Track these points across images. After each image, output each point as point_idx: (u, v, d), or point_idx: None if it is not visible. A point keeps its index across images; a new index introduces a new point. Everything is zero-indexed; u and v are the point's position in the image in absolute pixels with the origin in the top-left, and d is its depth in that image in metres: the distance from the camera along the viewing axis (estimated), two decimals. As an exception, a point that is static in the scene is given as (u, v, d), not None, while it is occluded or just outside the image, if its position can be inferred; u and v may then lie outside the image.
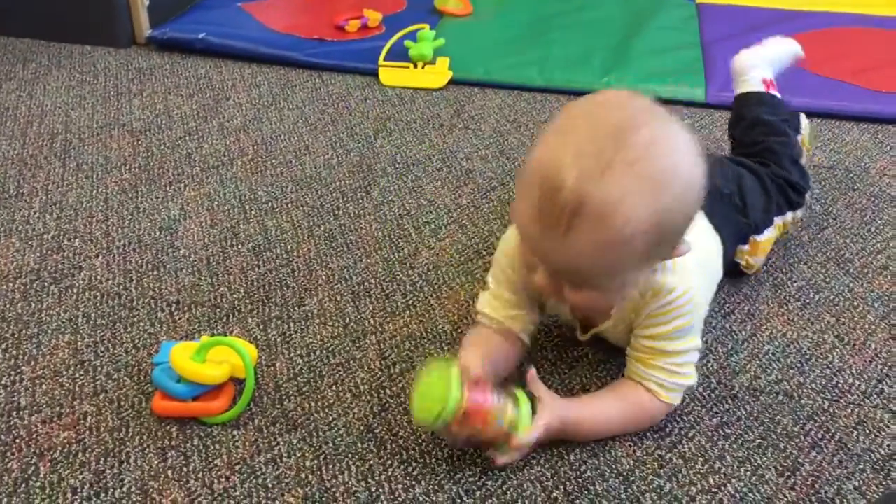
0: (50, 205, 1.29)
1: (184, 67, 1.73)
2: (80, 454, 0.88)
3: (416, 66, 1.70)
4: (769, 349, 1.04)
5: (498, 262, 0.96)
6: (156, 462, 0.87)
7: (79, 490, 0.84)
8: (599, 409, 0.91)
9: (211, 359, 0.92)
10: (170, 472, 0.86)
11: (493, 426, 0.83)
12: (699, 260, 0.91)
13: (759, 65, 1.32)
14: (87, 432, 0.91)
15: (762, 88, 1.30)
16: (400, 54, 1.74)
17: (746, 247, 1.12)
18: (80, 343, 1.02)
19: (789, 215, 1.18)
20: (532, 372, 0.90)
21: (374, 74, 1.71)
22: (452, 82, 1.69)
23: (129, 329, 1.05)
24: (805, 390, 0.99)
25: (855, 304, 1.12)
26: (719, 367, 1.01)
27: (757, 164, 1.18)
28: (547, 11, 2.01)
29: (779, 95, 1.30)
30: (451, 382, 0.82)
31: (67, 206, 1.28)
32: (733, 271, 1.12)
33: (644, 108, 0.78)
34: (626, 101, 0.78)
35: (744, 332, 1.07)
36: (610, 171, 0.73)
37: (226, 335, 1.00)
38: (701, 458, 0.90)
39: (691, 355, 0.90)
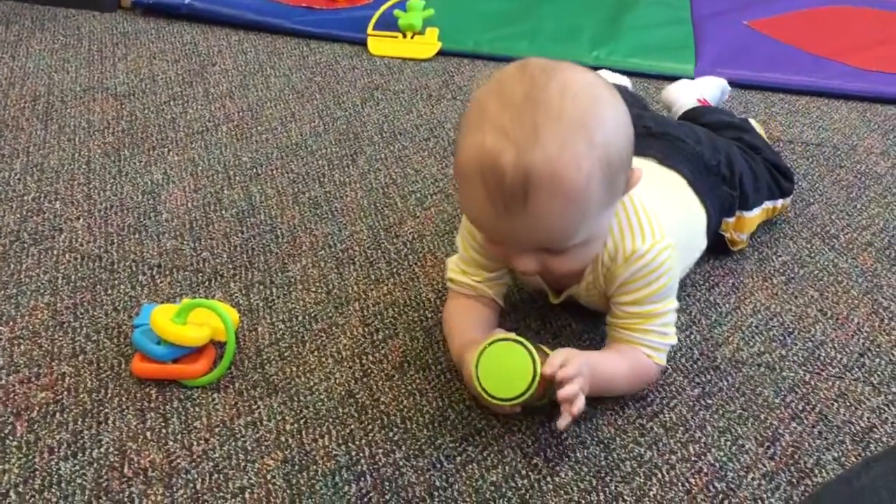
0: (31, 167, 1.27)
1: (169, 33, 1.71)
2: (57, 414, 0.87)
3: (405, 36, 1.69)
4: (752, 322, 1.05)
5: (466, 226, 0.95)
6: (134, 423, 0.87)
7: (56, 450, 0.83)
8: (610, 364, 0.90)
9: (192, 321, 0.91)
10: (148, 434, 0.86)
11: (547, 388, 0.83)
12: (677, 222, 0.91)
13: (690, 89, 1.36)
14: (66, 393, 0.90)
15: (698, 104, 1.31)
16: (389, 24, 1.72)
17: (732, 220, 1.12)
18: (59, 304, 1.01)
19: (779, 202, 1.18)
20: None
21: (363, 44, 1.69)
22: (441, 53, 1.67)
23: (110, 291, 1.04)
24: (787, 363, 0.99)
25: (839, 279, 1.12)
26: (702, 338, 1.01)
27: (751, 151, 1.18)
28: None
29: (716, 107, 1.33)
30: (533, 356, 0.81)
31: (48, 169, 1.27)
32: (718, 246, 1.12)
33: (539, 66, 0.78)
34: (524, 68, 0.78)
35: (727, 305, 1.07)
36: (538, 133, 0.74)
37: (207, 299, 0.99)
38: (682, 428, 0.90)
39: (673, 315, 0.91)
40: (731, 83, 1.47)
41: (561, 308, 1.02)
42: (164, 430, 0.86)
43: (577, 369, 0.82)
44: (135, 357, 0.92)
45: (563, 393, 0.81)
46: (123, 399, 0.89)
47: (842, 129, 1.48)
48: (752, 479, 0.85)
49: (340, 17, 1.76)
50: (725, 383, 0.95)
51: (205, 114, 1.43)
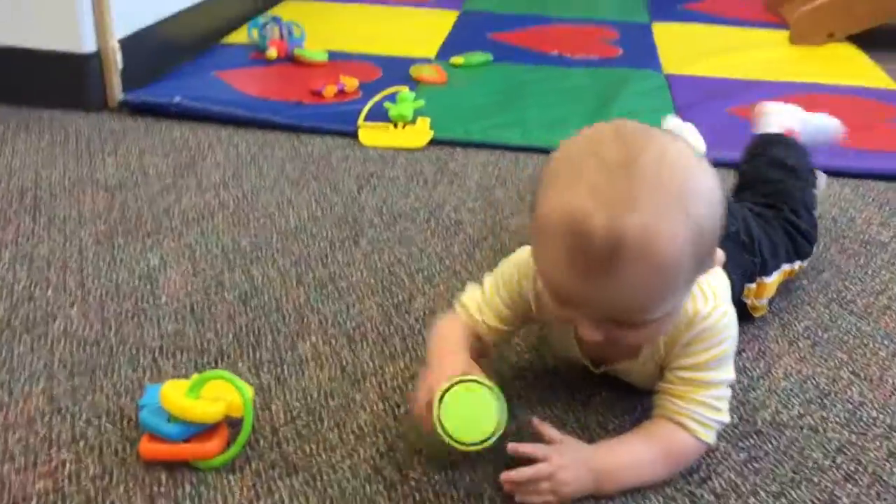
0: (20, 257, 1.21)
1: (158, 130, 1.69)
2: (59, 503, 0.79)
3: (396, 126, 1.69)
4: (786, 385, 1.01)
5: (506, 275, 0.91)
6: (144, 509, 0.79)
7: (58, 540, 0.76)
8: (631, 454, 0.84)
9: (205, 396, 0.85)
10: (160, 520, 0.78)
11: None
12: (726, 286, 0.88)
13: (787, 114, 1.32)
14: (67, 480, 0.82)
15: (782, 132, 1.29)
16: (379, 116, 1.72)
17: (753, 286, 1.09)
18: (56, 390, 0.95)
19: (796, 264, 1.16)
20: (535, 421, 0.86)
21: (354, 135, 1.68)
22: (433, 142, 1.67)
23: (110, 375, 0.97)
24: (829, 424, 0.94)
25: (865, 341, 1.10)
26: (738, 403, 0.97)
27: (762, 207, 1.17)
28: (519, 80, 2.03)
29: (802, 146, 1.29)
30: (500, 400, 0.80)
31: (39, 258, 1.21)
32: (739, 313, 1.09)
33: (634, 130, 0.76)
34: (619, 129, 0.76)
35: (758, 370, 1.03)
36: (635, 198, 0.70)
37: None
38: (734, 494, 0.84)
39: (727, 389, 0.86)
40: (718, 164, 1.45)
41: (591, 376, 0.98)
42: (177, 516, 0.79)
43: (547, 470, 0.80)
44: (142, 439, 0.85)
45: (505, 476, 0.80)
46: (130, 485, 0.82)
47: (838, 203, 1.49)
48: (816, 543, 0.79)
49: (330, 112, 1.76)
50: (770, 446, 0.91)
51: (199, 203, 1.40)
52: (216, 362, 1.00)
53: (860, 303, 1.18)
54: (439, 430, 0.79)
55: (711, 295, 0.85)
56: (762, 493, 0.84)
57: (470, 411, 0.80)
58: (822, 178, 1.31)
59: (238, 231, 1.31)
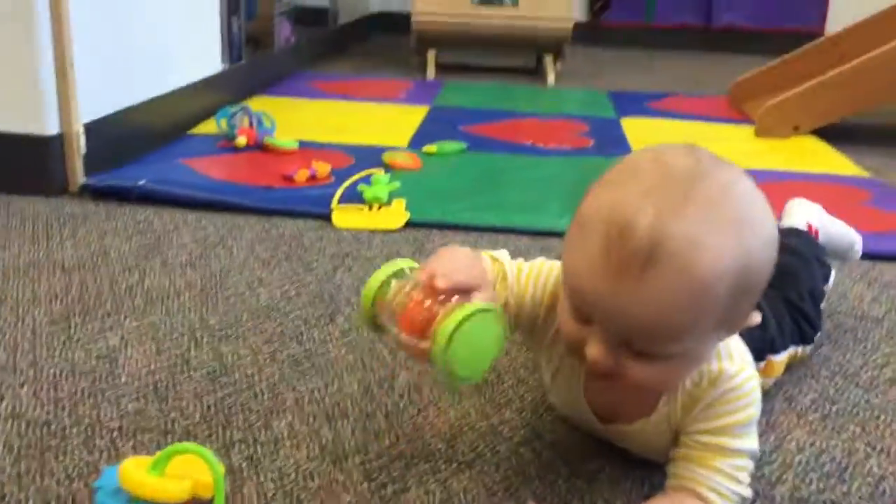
0: (-34, 337, 1.12)
1: (121, 213, 1.62)
2: None
3: (371, 209, 1.64)
4: (801, 459, 0.94)
5: (542, 274, 0.85)
6: None
7: None
8: None
9: (169, 474, 0.76)
10: None
11: None
12: (751, 359, 0.82)
13: (812, 213, 1.29)
14: (7, 573, 0.72)
15: (804, 228, 1.26)
16: (353, 199, 1.67)
17: (762, 364, 1.03)
18: (0, 475, 0.84)
19: (799, 349, 1.11)
20: None
21: (327, 218, 1.63)
22: (409, 224, 1.62)
23: (62, 458, 0.87)
24: (852, 499, 0.87)
25: (876, 413, 1.04)
26: (754, 478, 0.89)
27: (771, 290, 1.12)
28: (494, 167, 2.01)
29: (820, 243, 1.26)
30: (500, 322, 0.74)
31: (-13, 338, 1.12)
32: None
33: (711, 156, 0.72)
34: (691, 150, 0.72)
35: (769, 444, 0.96)
36: (688, 209, 0.66)
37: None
38: (760, 574, 0.76)
39: (750, 460, 0.78)
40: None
41: (595, 447, 0.90)
42: None
43: None
44: (97, 524, 0.75)
45: None
46: (81, 577, 0.72)
47: (827, 281, 1.45)
48: None
49: (302, 195, 1.71)
50: (794, 523, 0.83)
51: (164, 282, 1.32)
52: (181, 443, 0.91)
53: (864, 376, 1.13)
54: (443, 368, 0.71)
55: (739, 358, 0.79)
56: (792, 573, 0.76)
57: (474, 348, 0.72)
58: (832, 278, 1.27)
59: (206, 309, 1.23)
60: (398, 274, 0.79)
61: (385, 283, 0.78)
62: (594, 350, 0.71)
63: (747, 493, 0.78)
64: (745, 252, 0.67)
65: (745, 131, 2.53)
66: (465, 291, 0.74)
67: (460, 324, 0.70)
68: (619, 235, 0.66)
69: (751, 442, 0.78)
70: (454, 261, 0.77)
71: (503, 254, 0.88)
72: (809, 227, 1.25)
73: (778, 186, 1.95)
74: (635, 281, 0.66)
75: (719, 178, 0.69)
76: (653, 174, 0.69)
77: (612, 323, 0.70)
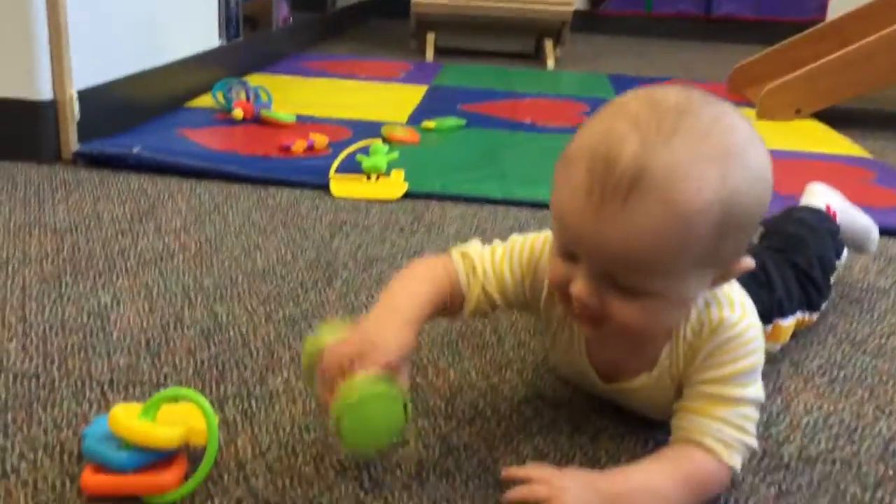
0: (-46, 293, 1.09)
1: (115, 180, 1.59)
2: (-21, 543, 0.66)
3: (369, 178, 1.61)
4: (809, 420, 0.91)
5: (523, 253, 0.83)
6: (84, 550, 0.66)
7: (-24, 584, 0.62)
8: (645, 478, 0.74)
9: (161, 420, 0.73)
10: (103, 561, 0.65)
11: None
12: (754, 308, 0.80)
13: (832, 196, 1.27)
14: (-9, 518, 0.69)
15: (822, 208, 1.24)
16: (352, 169, 1.65)
17: (769, 328, 1.01)
18: (-15, 424, 0.82)
19: (806, 315, 1.09)
20: (511, 470, 0.76)
21: (324, 188, 1.60)
22: (408, 195, 1.59)
23: (50, 409, 0.85)
24: (862, 458, 0.85)
25: (884, 378, 1.01)
26: (761, 437, 0.87)
27: (775, 253, 1.10)
28: (494, 142, 1.98)
29: (837, 223, 1.24)
30: (404, 405, 0.72)
31: (-24, 295, 1.09)
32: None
33: (703, 93, 0.70)
34: (683, 88, 0.70)
35: (776, 406, 0.94)
36: (674, 140, 0.64)
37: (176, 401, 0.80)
38: (769, 529, 0.74)
39: (755, 409, 0.76)
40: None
41: (599, 406, 0.88)
42: (123, 557, 0.66)
43: (544, 491, 0.70)
44: (84, 470, 0.72)
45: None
46: (69, 523, 0.69)
47: (831, 254, 1.43)
48: (872, 580, 0.68)
49: (298, 165, 1.68)
50: (803, 481, 0.81)
51: (158, 245, 1.29)
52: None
53: (871, 343, 1.11)
54: (334, 432, 0.72)
55: (740, 306, 0.77)
56: (802, 529, 0.74)
57: (370, 423, 0.72)
58: (845, 254, 1.25)
59: (200, 271, 1.20)
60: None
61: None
62: (578, 287, 0.69)
63: (754, 443, 0.76)
64: (731, 187, 0.65)
65: (746, 113, 2.50)
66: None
67: (344, 410, 0.70)
68: (603, 165, 0.65)
69: (755, 390, 0.76)
70: (371, 333, 0.74)
71: (473, 244, 0.86)
72: (828, 208, 1.24)
73: (782, 164, 1.92)
74: (617, 210, 0.64)
75: (710, 111, 0.67)
76: (641, 108, 0.67)
77: (595, 255, 0.68)
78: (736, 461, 0.74)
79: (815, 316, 1.11)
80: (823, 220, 1.21)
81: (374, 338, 0.73)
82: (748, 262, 0.73)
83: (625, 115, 0.66)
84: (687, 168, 0.64)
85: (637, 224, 0.64)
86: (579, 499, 0.70)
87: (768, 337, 1.00)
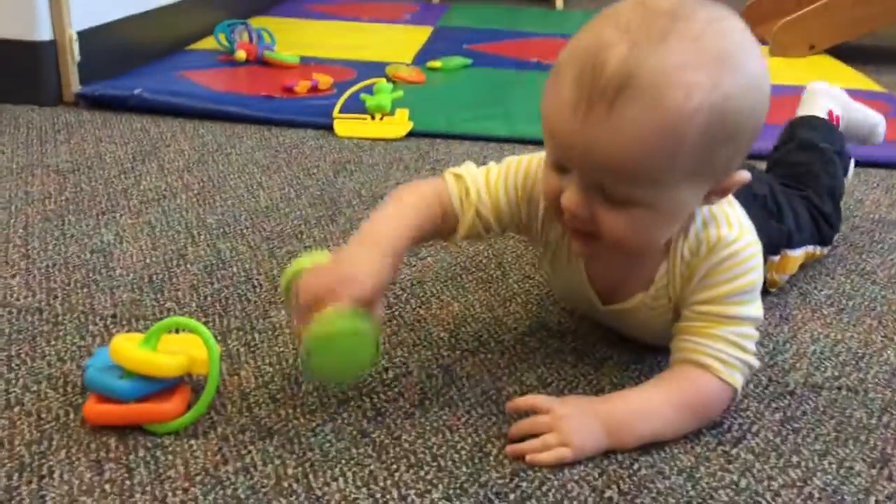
0: (-43, 233, 1.09)
1: (117, 122, 1.58)
2: (-16, 470, 0.67)
3: (373, 118, 1.59)
4: (815, 349, 0.91)
5: (518, 175, 0.81)
6: (88, 476, 0.66)
7: (-19, 509, 0.63)
8: (644, 400, 0.74)
9: (162, 350, 0.73)
10: (107, 486, 0.65)
11: None
12: (752, 226, 0.78)
13: (834, 98, 1.24)
14: (-5, 447, 0.69)
15: (825, 117, 1.21)
16: (356, 109, 1.63)
17: (777, 259, 1.00)
18: (-12, 358, 0.82)
19: (817, 249, 1.07)
20: (517, 401, 0.75)
21: (328, 128, 1.58)
22: (412, 134, 1.57)
23: (53, 342, 0.85)
24: (868, 385, 0.84)
25: (893, 308, 1.01)
26: (766, 365, 0.87)
27: (786, 187, 1.08)
28: (500, 81, 1.95)
29: (840, 131, 1.21)
30: (373, 343, 0.71)
31: (-22, 234, 1.09)
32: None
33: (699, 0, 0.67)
34: None
35: (782, 335, 0.93)
36: (666, 42, 0.63)
37: (177, 332, 0.80)
38: (774, 453, 0.73)
39: (753, 328, 0.75)
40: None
41: (604, 336, 0.87)
42: (127, 482, 0.66)
43: (547, 420, 0.71)
44: (87, 400, 0.72)
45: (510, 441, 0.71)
46: (73, 451, 0.69)
47: (842, 188, 1.41)
48: (876, 502, 0.68)
49: (302, 105, 1.66)
50: (808, 407, 0.80)
51: (160, 185, 1.28)
52: (177, 331, 0.88)
53: (881, 274, 1.10)
54: (303, 363, 0.73)
55: (737, 224, 0.75)
56: (805, 452, 0.74)
57: (339, 358, 0.71)
58: (851, 169, 1.23)
59: (203, 210, 1.20)
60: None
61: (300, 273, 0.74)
62: (567, 197, 0.68)
63: (753, 361, 0.75)
64: (722, 93, 0.63)
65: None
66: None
67: (314, 344, 0.69)
68: (590, 72, 0.63)
69: (753, 309, 0.75)
70: (347, 265, 0.73)
71: (468, 166, 0.84)
72: (831, 114, 1.21)
73: (795, 100, 1.90)
74: (603, 117, 0.63)
75: (704, 15, 0.65)
76: (632, 14, 0.65)
77: (583, 164, 0.67)
78: (736, 379, 0.74)
79: (825, 250, 1.09)
80: (828, 135, 1.19)
81: (350, 270, 0.72)
82: (743, 176, 0.71)
83: (615, 22, 0.65)
84: (676, 73, 0.62)
85: (623, 131, 0.63)
86: (580, 424, 0.70)
87: (776, 267, 1.00)
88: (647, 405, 0.73)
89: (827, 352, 0.90)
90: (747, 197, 0.95)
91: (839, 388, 0.84)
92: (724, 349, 0.73)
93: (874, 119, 1.28)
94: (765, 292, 1.01)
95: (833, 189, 1.12)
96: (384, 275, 0.73)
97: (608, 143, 0.63)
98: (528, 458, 0.69)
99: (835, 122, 1.21)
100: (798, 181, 1.10)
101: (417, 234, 0.78)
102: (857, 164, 1.52)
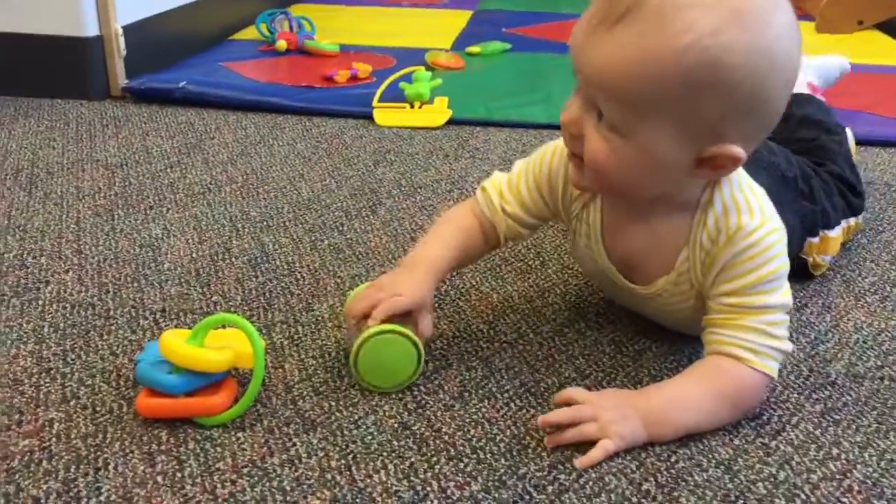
0: (12, 228, 1.12)
1: (163, 115, 1.61)
2: (44, 462, 0.69)
3: (412, 107, 1.60)
4: (858, 338, 0.90)
5: (538, 160, 0.86)
6: (142, 468, 0.69)
7: (43, 501, 0.65)
8: (679, 391, 0.74)
9: (209, 345, 0.75)
10: (160, 478, 0.68)
11: None
12: (773, 209, 0.78)
13: (806, 68, 1.24)
14: (54, 439, 0.72)
15: (807, 91, 1.21)
16: (395, 98, 1.64)
17: (816, 240, 0.99)
18: (45, 352, 0.85)
19: (852, 220, 1.07)
20: (565, 392, 0.76)
21: (368, 117, 1.60)
22: (452, 122, 1.58)
23: (106, 337, 0.88)
24: (912, 375, 0.84)
25: (938, 295, 0.99)
26: (807, 356, 0.87)
27: (813, 166, 1.07)
28: (539, 66, 1.94)
29: (825, 103, 1.21)
30: (416, 354, 0.79)
31: (33, 230, 1.12)
32: (798, 270, 0.99)
33: None
34: None
35: (824, 324, 0.93)
36: None
37: (224, 327, 0.83)
38: (813, 445, 0.73)
39: (783, 314, 0.75)
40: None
41: (642, 328, 0.88)
42: (178, 475, 0.69)
43: (588, 411, 0.72)
44: (140, 394, 0.75)
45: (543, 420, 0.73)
46: (127, 443, 0.72)
47: (889, 170, 1.40)
48: (916, 495, 0.68)
49: (342, 94, 1.68)
50: (850, 398, 0.80)
51: (205, 178, 1.31)
52: (224, 324, 0.90)
53: (927, 260, 1.08)
54: (353, 370, 0.79)
55: (759, 209, 0.75)
56: (846, 444, 0.74)
57: (385, 361, 0.78)
58: (850, 135, 1.22)
59: (247, 202, 1.22)
60: None
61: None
62: (567, 109, 0.72)
63: (786, 346, 0.75)
64: (721, 42, 0.63)
65: (806, 26, 2.41)
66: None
67: (360, 346, 0.78)
68: None
69: (781, 296, 0.74)
70: (388, 285, 0.81)
71: (494, 176, 0.89)
72: (812, 87, 1.22)
73: (845, 79, 1.87)
74: (604, 35, 0.66)
75: None
76: None
77: (581, 71, 0.69)
78: (770, 367, 0.74)
79: (860, 219, 1.09)
80: (819, 108, 1.20)
81: (391, 289, 0.80)
82: (735, 150, 0.69)
83: None
84: (683, 9, 0.63)
85: (613, 50, 0.65)
86: (620, 416, 0.71)
87: (817, 249, 0.99)
88: (685, 397, 0.74)
89: (870, 341, 0.90)
90: (778, 179, 0.95)
91: (881, 379, 0.83)
92: (755, 339, 0.73)
93: (840, 64, 1.36)
94: (809, 277, 1.01)
95: (848, 156, 1.12)
96: (423, 292, 0.81)
97: (599, 60, 0.67)
98: (577, 462, 0.70)
99: (819, 94, 1.22)
100: (812, 156, 1.09)
101: (460, 254, 0.85)
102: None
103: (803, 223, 0.97)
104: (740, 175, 0.76)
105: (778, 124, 1.18)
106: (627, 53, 0.65)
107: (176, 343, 0.73)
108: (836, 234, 1.01)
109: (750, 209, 0.74)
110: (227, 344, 0.76)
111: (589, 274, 0.92)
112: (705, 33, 0.63)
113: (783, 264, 0.75)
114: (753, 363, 0.73)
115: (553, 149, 0.84)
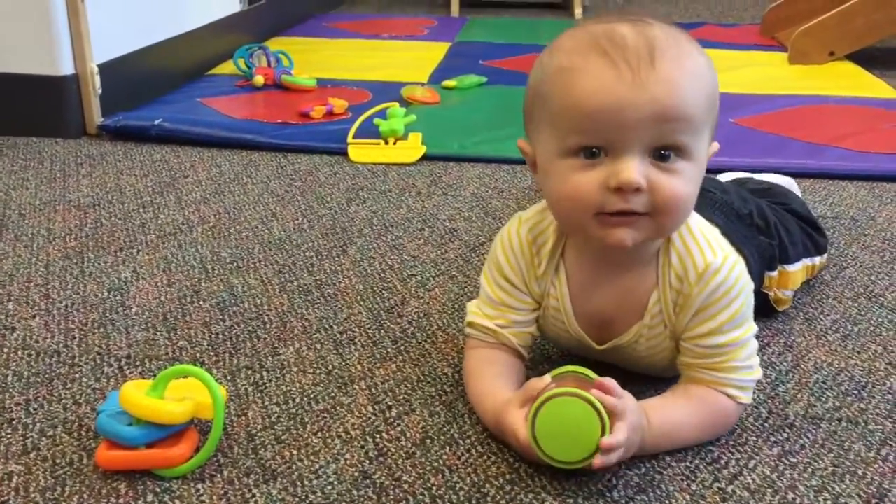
0: (-19, 272, 1.13)
1: (138, 153, 1.62)
2: (0, 517, 0.70)
3: (387, 143, 1.61)
4: (818, 378, 0.91)
5: (494, 260, 0.85)
6: (98, 522, 0.69)
7: (-3, 558, 0.65)
8: (679, 416, 0.78)
9: (169, 396, 0.75)
10: (116, 533, 0.68)
11: None
12: (718, 234, 0.81)
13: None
14: (12, 493, 0.72)
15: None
16: (369, 134, 1.65)
17: (775, 274, 1.01)
18: (8, 402, 0.85)
19: (817, 259, 1.08)
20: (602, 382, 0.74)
21: (343, 153, 1.61)
22: (426, 158, 1.59)
23: (69, 385, 0.88)
24: (870, 416, 0.85)
25: (899, 333, 1.01)
26: (767, 397, 0.87)
27: (775, 204, 1.09)
28: (514, 100, 1.95)
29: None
30: (600, 414, 0.70)
31: (1, 274, 1.12)
32: (761, 306, 1.00)
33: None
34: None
35: (785, 364, 0.94)
36: (653, 26, 0.73)
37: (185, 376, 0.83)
38: (769, 490, 0.74)
39: (755, 344, 0.79)
40: (731, 168, 1.38)
41: (608, 369, 0.88)
42: (136, 528, 0.69)
43: (624, 437, 0.70)
44: (100, 446, 0.75)
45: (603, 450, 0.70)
46: (85, 497, 0.72)
47: (855, 204, 1.41)
48: (869, 540, 0.69)
49: (317, 131, 1.69)
50: (807, 440, 0.81)
51: (178, 218, 1.31)
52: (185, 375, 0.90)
53: (889, 297, 1.09)
54: (536, 451, 0.72)
55: (717, 244, 0.79)
56: (801, 488, 0.74)
57: (567, 427, 0.71)
58: (796, 188, 1.27)
59: (218, 243, 1.23)
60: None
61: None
62: (626, 171, 0.69)
63: (759, 374, 0.80)
64: (706, 64, 0.74)
65: (779, 57, 2.45)
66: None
67: (536, 410, 0.71)
68: (612, 44, 0.70)
69: (752, 325, 0.79)
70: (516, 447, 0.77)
71: (469, 309, 0.87)
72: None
73: (815, 111, 1.90)
74: (650, 71, 0.69)
75: (661, 28, 0.74)
76: (601, 22, 0.74)
77: (643, 116, 0.69)
78: (748, 398, 0.80)
79: (824, 259, 1.10)
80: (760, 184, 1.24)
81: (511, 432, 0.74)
82: (716, 146, 0.78)
83: (594, 22, 0.74)
84: (676, 38, 0.72)
85: (674, 76, 0.70)
86: (636, 426, 0.73)
87: (776, 283, 1.01)
88: (681, 426, 0.78)
89: (829, 382, 0.91)
90: (733, 217, 0.97)
91: (839, 420, 0.84)
92: (742, 378, 0.78)
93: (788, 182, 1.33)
94: (772, 312, 1.02)
95: (802, 203, 1.15)
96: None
97: (666, 87, 0.69)
98: (596, 464, 0.70)
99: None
100: (776, 198, 1.12)
101: (515, 382, 0.82)
102: (870, 177, 1.52)
103: (762, 257, 0.99)
104: (688, 221, 0.78)
105: (732, 186, 1.20)
106: (681, 77, 0.70)
107: (136, 396, 0.73)
108: (795, 268, 1.03)
109: (710, 244, 0.78)
110: (188, 395, 0.76)
111: (563, 346, 0.92)
112: (704, 63, 0.73)
113: (750, 294, 0.79)
114: (741, 399, 0.79)
115: (503, 241, 0.84)
